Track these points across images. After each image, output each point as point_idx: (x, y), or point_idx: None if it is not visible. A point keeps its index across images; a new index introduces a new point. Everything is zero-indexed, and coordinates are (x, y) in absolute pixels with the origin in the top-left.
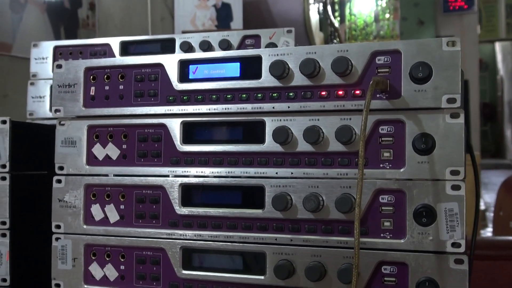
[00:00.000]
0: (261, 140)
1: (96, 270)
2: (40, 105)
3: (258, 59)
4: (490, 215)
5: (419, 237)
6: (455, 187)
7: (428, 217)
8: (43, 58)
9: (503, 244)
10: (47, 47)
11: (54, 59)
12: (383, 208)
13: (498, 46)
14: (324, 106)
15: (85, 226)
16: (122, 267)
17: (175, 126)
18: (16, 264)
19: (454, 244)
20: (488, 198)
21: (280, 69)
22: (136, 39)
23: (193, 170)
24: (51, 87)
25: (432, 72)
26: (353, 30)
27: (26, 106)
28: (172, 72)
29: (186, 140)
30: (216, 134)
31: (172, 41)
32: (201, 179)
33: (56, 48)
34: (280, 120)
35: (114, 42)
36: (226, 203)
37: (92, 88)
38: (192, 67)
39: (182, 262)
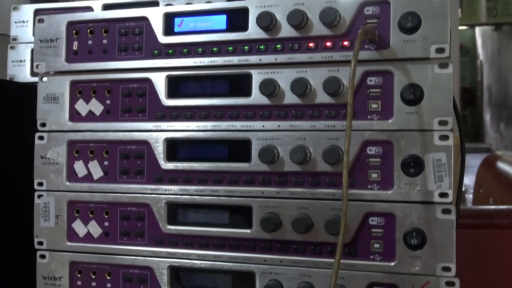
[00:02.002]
0: (248, 93)
1: (79, 227)
2: (21, 69)
3: (245, 11)
4: (469, 196)
5: (407, 188)
6: (443, 137)
7: (416, 167)
8: (23, 22)
9: (485, 213)
10: (27, 10)
11: (35, 23)
12: (370, 159)
13: (478, 30)
14: (311, 58)
15: (68, 183)
16: (106, 223)
17: (160, 80)
18: None
19: (442, 194)
20: (467, 181)
21: (267, 21)
22: (119, 1)
23: (178, 125)
24: (31, 51)
25: (421, 22)
26: None
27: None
28: (157, 26)
29: (171, 94)
30: (201, 88)
31: (156, 3)
32: (186, 134)
33: (36, 11)
34: (267, 72)
35: (97, 4)
36: (212, 157)
37: (75, 43)
38: (177, 20)
39: (167, 218)
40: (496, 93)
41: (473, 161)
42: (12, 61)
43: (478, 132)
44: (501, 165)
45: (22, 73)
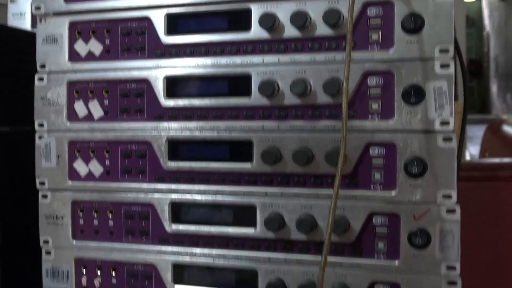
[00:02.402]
0: (247, 27)
1: (80, 167)
2: (21, 22)
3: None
4: None
5: (408, 117)
6: (444, 66)
7: (417, 96)
8: None
9: (489, 166)
10: None
11: None
12: (371, 90)
13: (484, 2)
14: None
15: (68, 123)
16: (107, 162)
17: (159, 19)
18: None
19: (443, 123)
20: (473, 151)
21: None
22: None
23: (178, 63)
24: (31, 3)
25: None
26: None
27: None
28: None
29: (170, 31)
30: (201, 24)
31: None
32: (186, 71)
33: None
34: (267, 6)
35: None
36: (213, 93)
37: None
38: None
39: (168, 154)
40: (502, 64)
41: (480, 132)
42: (12, 14)
43: (485, 103)
44: (506, 128)
45: (23, 26)
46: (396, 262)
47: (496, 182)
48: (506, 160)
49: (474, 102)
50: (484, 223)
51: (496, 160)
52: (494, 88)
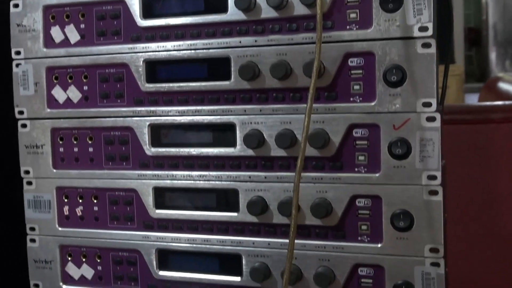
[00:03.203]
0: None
1: (59, 93)
2: None
3: None
4: None
5: (386, 25)
6: None
7: (395, 2)
8: None
9: (480, 109)
10: None
11: None
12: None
13: None
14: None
15: (45, 49)
16: (85, 87)
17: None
18: None
19: (422, 28)
20: None
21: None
22: None
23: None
24: None
25: None
26: None
27: None
28: None
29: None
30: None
31: None
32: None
33: None
34: None
35: None
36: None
37: None
38: None
39: (146, 76)
40: (501, 32)
41: None
42: None
43: (484, 71)
44: (502, 85)
45: None
46: (377, 174)
47: (487, 125)
48: (498, 103)
49: (473, 71)
50: (475, 166)
51: (488, 103)
52: (493, 56)
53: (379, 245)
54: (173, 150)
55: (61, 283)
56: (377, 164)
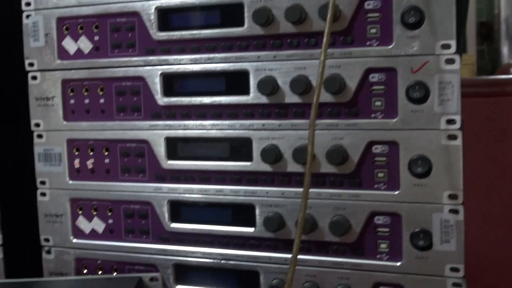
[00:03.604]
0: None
1: (69, 45)
2: None
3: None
4: None
5: None
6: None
7: None
8: None
9: (496, 82)
10: None
11: None
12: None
13: None
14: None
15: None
16: (96, 38)
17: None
18: None
19: None
20: None
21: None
22: None
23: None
24: None
25: None
26: None
27: None
28: None
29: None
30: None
31: None
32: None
33: None
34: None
35: None
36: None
37: None
38: None
39: (158, 24)
40: None
41: None
42: None
43: (496, 66)
44: None
45: None
46: (394, 119)
47: (503, 98)
48: None
49: (485, 66)
50: (490, 139)
51: (503, 76)
52: (505, 50)
53: (396, 193)
54: (185, 100)
55: (71, 237)
56: (394, 109)
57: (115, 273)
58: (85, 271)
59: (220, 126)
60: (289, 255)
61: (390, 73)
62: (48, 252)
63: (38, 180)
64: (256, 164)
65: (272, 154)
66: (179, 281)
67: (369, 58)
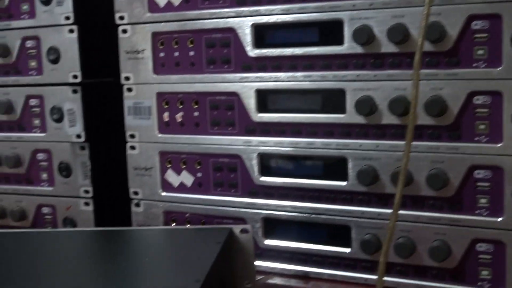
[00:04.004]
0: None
1: None
2: None
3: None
4: None
5: None
6: None
7: None
8: None
9: None
10: None
11: None
12: None
13: None
14: None
15: None
16: None
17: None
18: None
19: None
20: None
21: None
22: None
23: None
24: None
25: None
26: None
27: None
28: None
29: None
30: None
31: None
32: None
33: None
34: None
35: None
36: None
37: None
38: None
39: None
40: None
41: None
42: None
43: None
44: None
45: None
46: (498, 69)
47: None
48: None
49: None
50: None
51: None
52: None
53: (498, 145)
54: (276, 51)
55: (160, 190)
56: (498, 57)
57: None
58: (173, 224)
59: (312, 78)
60: (383, 210)
61: (494, 20)
62: (137, 205)
63: (128, 133)
64: (349, 116)
65: (366, 106)
66: (268, 235)
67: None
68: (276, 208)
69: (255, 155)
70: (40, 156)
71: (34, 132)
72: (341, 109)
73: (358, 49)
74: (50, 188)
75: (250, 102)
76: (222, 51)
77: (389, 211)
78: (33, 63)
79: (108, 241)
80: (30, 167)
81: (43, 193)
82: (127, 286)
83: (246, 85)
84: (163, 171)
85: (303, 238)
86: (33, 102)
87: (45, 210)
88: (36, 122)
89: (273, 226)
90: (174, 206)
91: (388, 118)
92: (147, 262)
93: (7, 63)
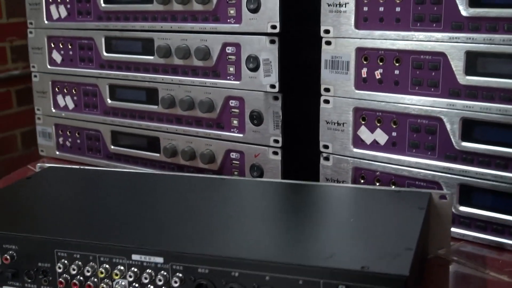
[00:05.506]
0: None
1: None
2: None
3: None
4: None
5: None
6: None
7: None
8: None
9: None
10: None
11: None
12: None
13: None
14: None
15: None
16: None
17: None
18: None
19: None
20: None
21: None
22: None
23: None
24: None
25: None
26: None
27: None
28: None
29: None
30: None
31: None
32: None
33: None
34: None
35: None
36: None
37: None
38: None
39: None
40: None
41: None
42: None
43: None
44: None
45: None
46: None
47: None
48: None
49: None
50: None
51: None
52: None
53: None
54: (493, 11)
55: (351, 146)
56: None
57: (393, 186)
58: (362, 181)
59: None
60: None
61: None
62: (327, 158)
63: (323, 87)
64: None
65: None
66: (463, 202)
67: None
68: (475, 175)
69: (458, 119)
70: (233, 102)
71: (229, 80)
72: None
73: None
74: (240, 135)
75: (459, 64)
76: (432, 8)
77: None
78: (232, 11)
79: (308, 195)
80: (221, 113)
81: (233, 139)
82: (339, 246)
83: (455, 46)
84: (356, 127)
85: (501, 208)
86: (229, 49)
87: (233, 155)
88: (231, 69)
89: (469, 193)
90: (364, 163)
91: None
92: (353, 223)
93: (207, 10)
